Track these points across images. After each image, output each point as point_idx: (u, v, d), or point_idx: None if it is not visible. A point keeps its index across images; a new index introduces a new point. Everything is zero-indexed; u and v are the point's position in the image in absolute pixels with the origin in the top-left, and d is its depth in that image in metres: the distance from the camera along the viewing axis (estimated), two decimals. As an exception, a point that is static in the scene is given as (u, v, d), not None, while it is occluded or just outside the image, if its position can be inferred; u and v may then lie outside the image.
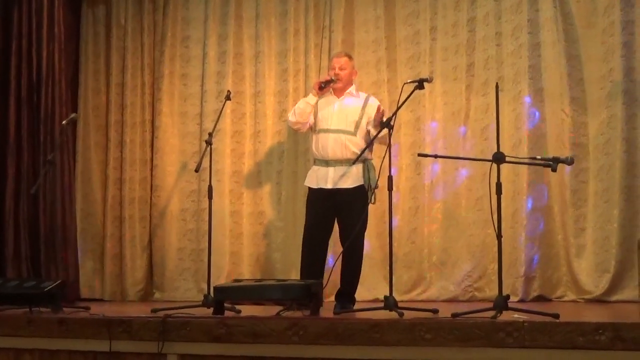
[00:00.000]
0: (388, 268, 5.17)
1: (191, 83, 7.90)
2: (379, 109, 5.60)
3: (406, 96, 5.17)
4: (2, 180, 7.43)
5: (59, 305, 5.38)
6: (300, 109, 5.88)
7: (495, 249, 4.75)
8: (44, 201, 7.30)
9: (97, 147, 7.98)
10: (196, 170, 6.02)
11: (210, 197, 5.94)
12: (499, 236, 4.63)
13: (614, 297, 6.17)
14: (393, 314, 4.68)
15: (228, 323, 4.54)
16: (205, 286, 5.91)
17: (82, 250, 7.73)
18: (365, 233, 5.77)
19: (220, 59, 7.79)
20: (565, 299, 6.49)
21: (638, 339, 3.81)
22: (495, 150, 4.70)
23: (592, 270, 6.36)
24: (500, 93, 4.87)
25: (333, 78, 5.81)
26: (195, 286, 7.58)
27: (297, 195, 7.30)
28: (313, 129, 5.90)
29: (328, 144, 5.70)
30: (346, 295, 5.67)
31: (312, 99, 5.85)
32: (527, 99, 6.67)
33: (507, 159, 4.72)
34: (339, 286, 5.75)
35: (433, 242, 7.01)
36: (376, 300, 6.63)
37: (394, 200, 5.30)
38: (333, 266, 5.44)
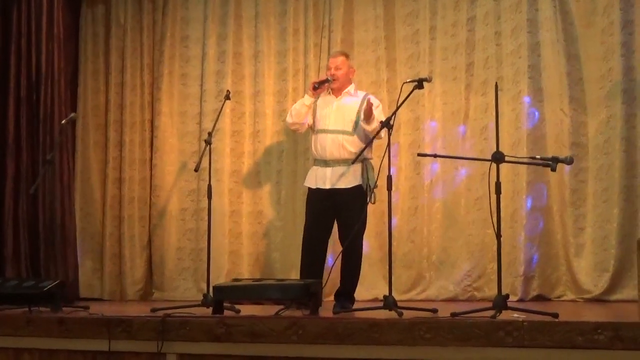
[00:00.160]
0: (387, 267, 5.17)
1: (190, 83, 7.90)
2: (368, 101, 5.59)
3: (405, 96, 5.17)
4: (2, 179, 7.42)
5: (58, 304, 5.38)
6: (297, 110, 5.89)
7: (495, 248, 4.76)
8: (43, 201, 7.29)
9: (97, 147, 7.98)
10: (195, 170, 6.02)
11: (209, 196, 5.94)
12: (498, 236, 4.63)
13: (613, 297, 6.17)
14: (392, 314, 4.68)
15: (227, 322, 4.54)
16: (204, 286, 5.91)
17: (81, 250, 7.73)
18: (365, 233, 5.77)
19: (219, 59, 7.79)
20: (565, 298, 6.49)
21: (637, 339, 3.81)
22: (495, 149, 4.70)
23: (592, 270, 6.36)
24: (499, 93, 4.88)
25: (329, 78, 5.82)
26: (194, 286, 7.58)
27: (297, 195, 7.30)
28: (312, 129, 5.90)
29: (326, 144, 5.70)
30: (345, 294, 5.68)
31: (307, 99, 5.85)
32: (526, 99, 6.66)
33: (507, 158, 4.72)
34: (338, 286, 5.75)
35: (432, 241, 7.01)
36: (375, 299, 6.63)
37: (393, 199, 5.31)
38: (332, 266, 5.44)
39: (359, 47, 7.37)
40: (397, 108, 5.20)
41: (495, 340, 4.03)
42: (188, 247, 7.71)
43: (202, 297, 5.56)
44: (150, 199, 7.88)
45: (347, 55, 6.01)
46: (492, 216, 4.63)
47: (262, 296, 5.10)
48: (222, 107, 6.42)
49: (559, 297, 6.53)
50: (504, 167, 4.88)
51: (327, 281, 5.40)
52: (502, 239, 4.68)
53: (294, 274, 6.48)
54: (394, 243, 5.70)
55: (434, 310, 4.91)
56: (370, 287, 6.86)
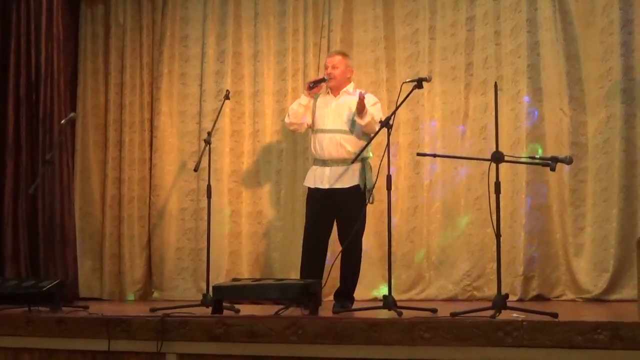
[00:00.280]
0: (387, 267, 5.16)
1: (190, 82, 7.90)
2: (360, 94, 5.58)
3: (405, 95, 5.17)
4: (1, 179, 7.42)
5: (57, 304, 5.38)
6: (294, 110, 5.89)
7: (494, 248, 4.75)
8: (43, 200, 7.29)
9: (96, 147, 7.98)
10: (195, 170, 6.01)
11: (209, 196, 5.94)
12: (498, 235, 4.63)
13: (613, 297, 6.17)
14: (392, 313, 4.69)
15: (227, 322, 4.54)
16: (204, 285, 5.91)
17: (80, 250, 7.73)
18: (364, 232, 5.77)
19: (219, 59, 7.79)
20: (564, 298, 6.49)
21: (636, 338, 3.81)
22: (494, 149, 4.70)
23: (591, 270, 6.36)
24: (499, 92, 4.87)
25: (325, 77, 5.82)
26: (194, 285, 7.58)
27: (296, 195, 7.30)
28: (312, 129, 5.90)
29: (324, 144, 5.70)
30: (345, 294, 5.68)
31: (303, 99, 5.86)
32: (526, 98, 6.66)
33: (506, 158, 4.72)
34: (338, 285, 5.75)
35: (432, 241, 7.01)
36: (375, 299, 6.64)
37: (392, 199, 5.30)
38: (332, 265, 5.43)
39: (358, 47, 7.37)
40: (397, 108, 5.20)
41: (494, 340, 4.03)
42: (187, 247, 7.71)
43: (201, 297, 5.56)
44: (149, 199, 7.88)
45: (344, 55, 6.01)
46: (491, 216, 4.63)
47: (261, 296, 5.09)
48: (221, 107, 6.42)
49: (558, 296, 6.53)
50: (503, 166, 4.88)
51: (326, 281, 5.40)
52: (501, 238, 4.68)
53: (294, 274, 6.48)
54: (393, 243, 5.70)
55: (434, 310, 4.91)
56: (369, 286, 6.87)
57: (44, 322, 4.92)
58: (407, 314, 4.64)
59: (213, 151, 6.46)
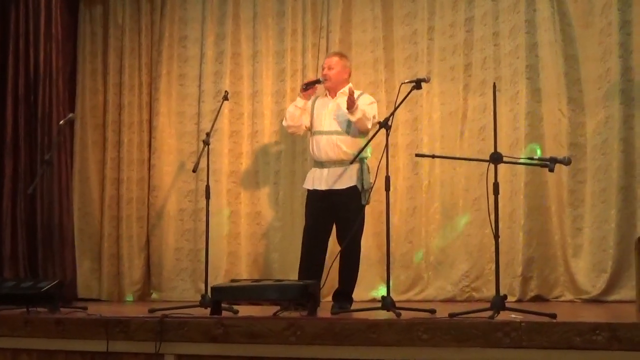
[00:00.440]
0: (385, 268, 5.16)
1: (189, 83, 7.90)
2: (349, 90, 5.57)
3: (404, 96, 5.16)
4: (0, 179, 7.42)
5: (56, 305, 5.37)
6: (290, 113, 5.90)
7: (493, 248, 4.76)
8: (42, 201, 7.29)
9: (95, 147, 7.98)
10: (194, 171, 6.01)
11: (207, 197, 5.94)
12: (496, 236, 4.62)
13: (611, 297, 6.17)
14: (390, 314, 4.69)
15: (225, 323, 4.54)
16: (202, 286, 5.90)
17: (79, 250, 7.73)
18: (363, 233, 5.77)
19: (217, 59, 7.79)
20: (563, 299, 6.49)
21: (635, 339, 3.81)
22: (493, 150, 4.70)
23: (590, 270, 6.36)
24: (497, 93, 4.87)
25: (319, 79, 5.82)
26: (192, 286, 7.58)
27: (295, 196, 7.30)
28: (310, 131, 5.90)
29: (321, 146, 5.71)
30: (344, 295, 5.68)
31: (299, 101, 5.86)
32: (524, 99, 6.66)
33: (505, 159, 4.72)
34: (336, 286, 5.75)
35: (430, 242, 7.01)
36: (374, 300, 6.65)
37: (391, 200, 5.30)
38: (331, 266, 5.43)
39: (357, 47, 7.38)
40: (395, 108, 5.20)
41: (493, 340, 4.02)
42: (186, 248, 7.71)
43: (200, 298, 5.56)
44: (148, 200, 7.88)
45: (342, 56, 6.00)
46: (490, 216, 4.63)
47: (260, 297, 5.08)
48: (220, 108, 6.41)
49: (557, 297, 6.53)
50: (502, 167, 4.88)
51: (325, 282, 5.40)
52: (500, 239, 4.67)
53: (293, 275, 6.47)
54: (392, 244, 5.71)
55: (432, 311, 4.90)
56: (368, 287, 6.87)
57: (42, 322, 4.92)
58: (405, 314, 4.64)
59: (212, 152, 6.46)
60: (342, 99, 5.77)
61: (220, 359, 4.55)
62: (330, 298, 5.87)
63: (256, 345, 4.44)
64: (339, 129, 5.69)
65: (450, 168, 6.97)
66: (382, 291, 6.47)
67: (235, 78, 7.73)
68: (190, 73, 7.91)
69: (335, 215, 5.68)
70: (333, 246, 5.94)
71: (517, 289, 6.50)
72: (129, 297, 7.73)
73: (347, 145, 5.65)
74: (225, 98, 6.32)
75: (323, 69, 5.88)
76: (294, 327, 4.38)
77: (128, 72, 7.96)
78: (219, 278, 7.21)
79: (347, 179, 5.61)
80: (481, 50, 6.95)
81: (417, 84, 5.16)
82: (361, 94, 5.85)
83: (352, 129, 5.66)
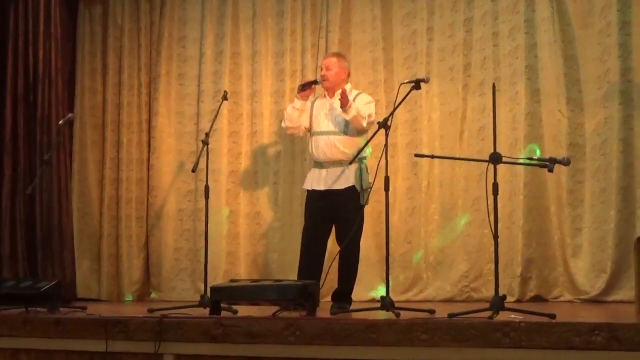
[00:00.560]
0: (385, 268, 5.16)
1: (188, 83, 7.90)
2: (342, 89, 5.57)
3: (403, 96, 5.16)
4: (-1, 179, 7.43)
5: (55, 305, 5.37)
6: (288, 114, 5.91)
7: (492, 249, 4.76)
8: (41, 201, 7.29)
9: (94, 147, 7.98)
10: (193, 170, 6.01)
11: (207, 197, 5.94)
12: (496, 236, 4.62)
13: (610, 298, 6.17)
14: (390, 314, 4.68)
15: (224, 323, 4.54)
16: (202, 286, 5.90)
17: (78, 250, 7.73)
18: (362, 233, 5.78)
19: (217, 59, 7.79)
20: (562, 299, 6.49)
21: (634, 340, 3.81)
22: (492, 150, 4.70)
23: (589, 271, 6.36)
24: (497, 93, 4.87)
25: (316, 80, 5.83)
26: (192, 286, 7.58)
27: (294, 196, 7.30)
28: (309, 132, 5.91)
29: (319, 146, 5.72)
30: (343, 295, 5.68)
31: (296, 103, 5.87)
32: (523, 99, 6.66)
33: (504, 159, 4.72)
34: (335, 286, 5.75)
35: (430, 242, 7.01)
36: (373, 300, 6.65)
37: (390, 200, 5.30)
38: (330, 266, 5.44)
39: (356, 48, 7.38)
40: (395, 109, 5.20)
41: (492, 341, 4.02)
42: (185, 248, 7.71)
43: (199, 298, 5.57)
44: (147, 200, 7.88)
45: (340, 56, 6.01)
46: (489, 217, 4.63)
47: (259, 297, 5.08)
48: (219, 108, 6.41)
49: (556, 298, 6.53)
50: (501, 167, 4.88)
51: (324, 282, 5.41)
52: (499, 239, 4.68)
53: (292, 275, 6.47)
54: (391, 244, 5.71)
55: (432, 311, 4.90)
56: (367, 287, 6.87)
57: (41, 322, 4.92)
58: (404, 315, 4.64)
59: (211, 152, 6.46)
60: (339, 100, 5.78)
61: (219, 359, 4.55)
62: (329, 298, 5.87)
63: (255, 345, 4.44)
64: (337, 129, 5.70)
65: (450, 168, 6.97)
66: (381, 291, 6.47)
67: (235, 78, 7.73)
68: (189, 73, 7.90)
69: (334, 215, 5.68)
70: (332, 246, 5.95)
71: (517, 289, 6.50)
72: (128, 297, 7.73)
73: (345, 146, 5.65)
74: (225, 98, 6.33)
75: (321, 70, 5.88)
76: (293, 327, 4.38)
77: (127, 71, 7.96)
78: (218, 278, 7.21)
79: (346, 179, 5.62)
80: (480, 51, 6.95)
81: (417, 84, 5.16)
82: (359, 94, 5.86)
83: (350, 129, 5.67)
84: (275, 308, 5.01)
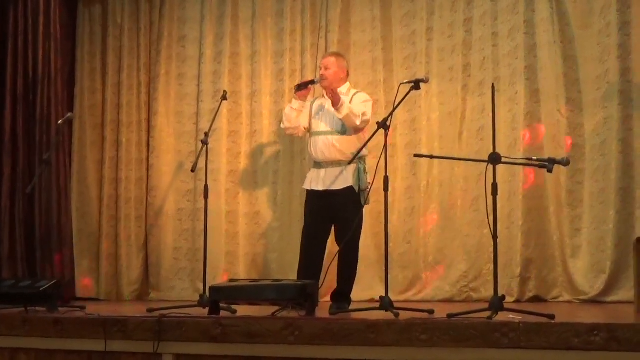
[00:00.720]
0: (384, 268, 5.16)
1: (187, 83, 7.90)
2: (333, 88, 5.58)
3: (402, 96, 5.16)
4: (-2, 179, 7.43)
5: (54, 304, 5.38)
6: (287, 115, 5.92)
7: (491, 249, 4.76)
8: (40, 201, 7.29)
9: (93, 147, 7.98)
10: (192, 170, 6.01)
11: (206, 196, 5.94)
12: (495, 237, 4.62)
13: (610, 298, 6.17)
14: (389, 315, 4.68)
15: (224, 323, 4.54)
16: (201, 286, 5.90)
17: (77, 250, 7.72)
18: (361, 233, 5.77)
19: (216, 59, 7.79)
20: (561, 299, 6.49)
21: (633, 340, 3.81)
22: (491, 150, 4.70)
23: (588, 271, 6.36)
24: (496, 93, 4.87)
25: (314, 79, 5.83)
26: (191, 286, 7.58)
27: (294, 196, 7.30)
28: (309, 132, 5.91)
29: (318, 146, 5.72)
30: (342, 295, 5.68)
31: (294, 103, 5.87)
32: (523, 100, 6.66)
33: (503, 159, 4.72)
34: (334, 286, 5.75)
35: (429, 242, 7.01)
36: (372, 300, 6.64)
37: (390, 200, 5.30)
38: (329, 266, 5.43)
39: (355, 48, 7.38)
40: (394, 109, 5.19)
41: (491, 341, 4.03)
42: (185, 248, 7.71)
43: (198, 298, 5.57)
44: (146, 199, 7.88)
45: (338, 56, 6.01)
46: (488, 217, 4.63)
47: (258, 297, 5.08)
48: (219, 108, 6.41)
49: (555, 298, 6.53)
50: (500, 168, 4.88)
51: (323, 282, 5.41)
52: (498, 240, 4.68)
53: (291, 275, 6.48)
54: (390, 244, 5.70)
55: (431, 311, 4.90)
56: (366, 287, 6.86)
57: (40, 322, 4.92)
58: (404, 315, 4.64)
59: (210, 152, 6.45)
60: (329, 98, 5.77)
61: (218, 359, 4.55)
62: (328, 298, 5.87)
63: (254, 345, 4.44)
64: (335, 129, 5.70)
65: (449, 168, 6.97)
66: (380, 291, 6.45)
67: (234, 78, 7.73)
68: (188, 73, 7.90)
69: (333, 215, 5.68)
70: (332, 246, 5.94)
71: (516, 290, 6.51)
72: (128, 297, 7.72)
73: (341, 145, 5.66)
74: (224, 98, 6.33)
75: (320, 69, 5.88)
76: (292, 327, 4.38)
77: (127, 71, 7.96)
78: (217, 278, 7.21)
79: (344, 180, 5.62)
80: (480, 51, 6.95)
81: (416, 84, 5.16)
82: (357, 92, 5.86)
83: (348, 128, 5.67)
84: (274, 308, 5.01)
